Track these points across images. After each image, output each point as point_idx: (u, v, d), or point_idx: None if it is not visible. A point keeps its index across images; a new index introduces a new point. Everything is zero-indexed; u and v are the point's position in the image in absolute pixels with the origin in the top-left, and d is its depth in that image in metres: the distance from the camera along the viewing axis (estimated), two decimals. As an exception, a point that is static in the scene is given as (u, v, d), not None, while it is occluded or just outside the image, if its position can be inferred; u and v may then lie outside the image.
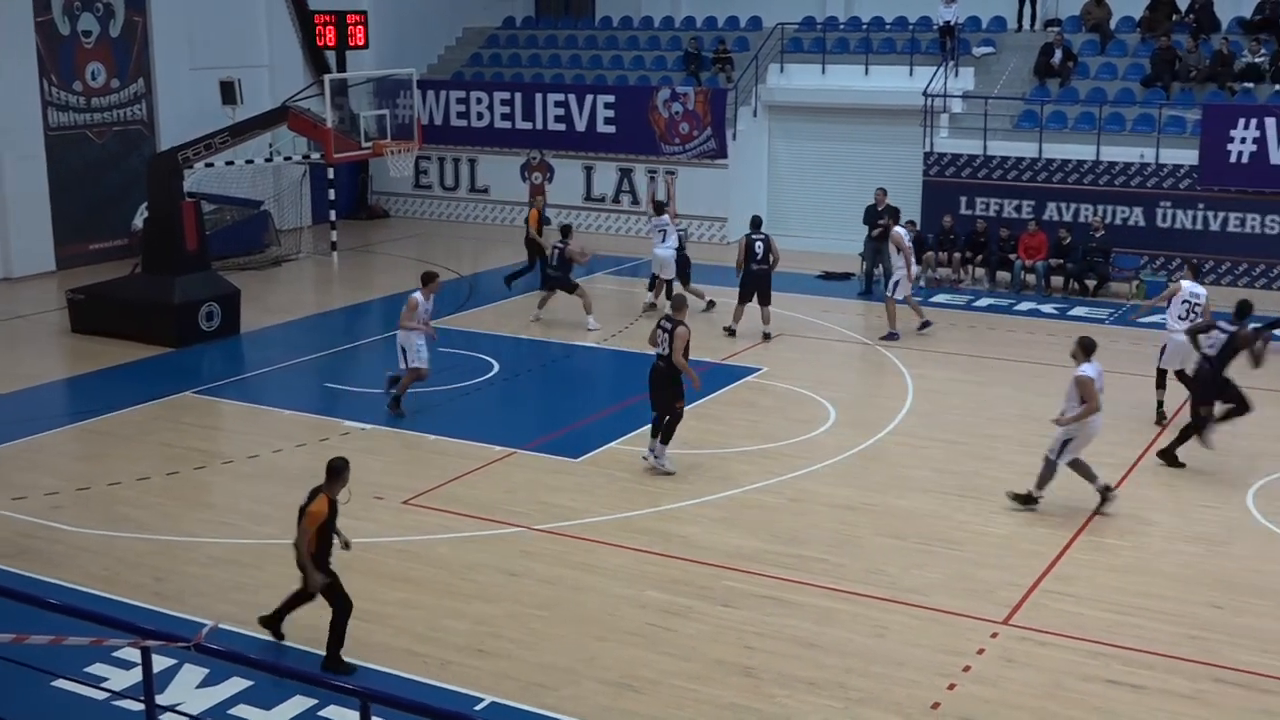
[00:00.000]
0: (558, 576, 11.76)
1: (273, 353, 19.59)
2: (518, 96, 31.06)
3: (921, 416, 16.49)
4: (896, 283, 20.20)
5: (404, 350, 16.19)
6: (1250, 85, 25.56)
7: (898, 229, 20.77)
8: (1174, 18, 27.82)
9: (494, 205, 31.32)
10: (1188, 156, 24.44)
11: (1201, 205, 24.23)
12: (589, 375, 19.18)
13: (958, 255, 24.64)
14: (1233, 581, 11.68)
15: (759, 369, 18.51)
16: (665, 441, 14.23)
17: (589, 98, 30.26)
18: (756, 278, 19.96)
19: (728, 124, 28.87)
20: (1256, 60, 25.92)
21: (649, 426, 14.50)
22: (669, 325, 14.08)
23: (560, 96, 30.57)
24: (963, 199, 25.82)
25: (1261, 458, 14.88)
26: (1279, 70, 25.54)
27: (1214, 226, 24.21)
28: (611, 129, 29.98)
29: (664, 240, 21.44)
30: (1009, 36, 29.17)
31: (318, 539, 9.85)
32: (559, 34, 34.13)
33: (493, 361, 18.85)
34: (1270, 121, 23.75)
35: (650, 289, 22.01)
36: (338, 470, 10.01)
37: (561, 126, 30.51)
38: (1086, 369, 12.96)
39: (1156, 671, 10.01)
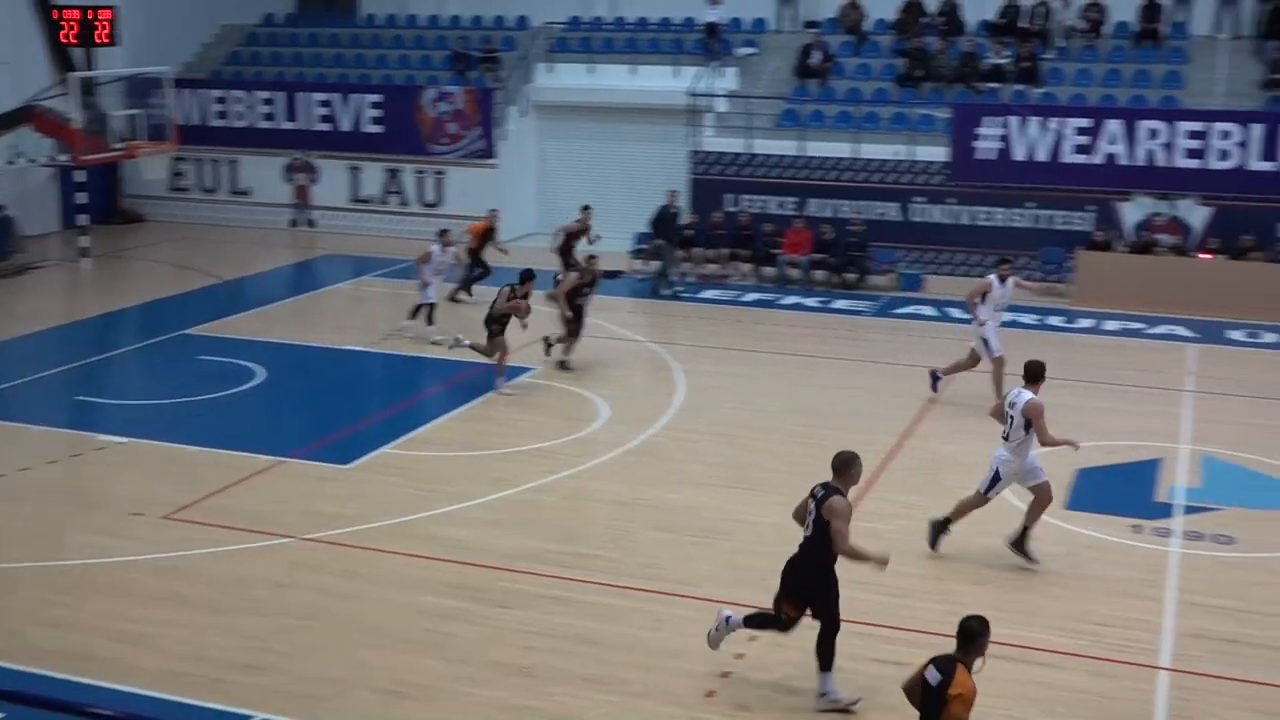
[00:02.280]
0: (329, 586, 11.48)
1: (20, 365, 18.57)
2: (280, 96, 30.27)
3: (692, 411, 16.73)
4: None
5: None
6: (995, 85, 26.79)
7: None
8: (924, 20, 28.95)
9: (257, 208, 30.43)
10: (939, 153, 25.47)
11: (953, 200, 25.28)
12: (358, 380, 18.80)
13: (725, 251, 25.11)
14: (990, 558, 12.18)
15: (531, 369, 18.47)
16: (828, 665, 9.67)
17: (354, 97, 29.72)
18: None
19: (496, 124, 28.76)
20: (1000, 61, 27.20)
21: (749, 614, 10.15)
22: (821, 492, 9.63)
23: (324, 96, 29.93)
24: (729, 196, 26.33)
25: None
26: (1021, 71, 26.85)
27: (965, 220, 25.29)
28: (378, 129, 29.52)
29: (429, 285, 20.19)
30: (770, 37, 29.88)
31: None
32: (321, 32, 33.39)
33: (256, 368, 18.30)
34: (1014, 120, 24.95)
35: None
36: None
37: (326, 126, 29.89)
38: (1034, 395, 11.96)
39: (922, 649, 10.31)
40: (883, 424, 16.02)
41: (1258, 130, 23.72)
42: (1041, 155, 24.81)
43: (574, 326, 18.44)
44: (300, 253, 27.79)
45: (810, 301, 23.25)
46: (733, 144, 26.76)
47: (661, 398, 17.21)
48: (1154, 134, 24.26)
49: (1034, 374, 12.13)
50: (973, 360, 17.01)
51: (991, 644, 10.30)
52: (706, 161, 26.69)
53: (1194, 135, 24.08)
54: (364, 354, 19.51)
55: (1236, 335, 21.16)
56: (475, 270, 22.88)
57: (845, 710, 9.54)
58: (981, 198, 25.13)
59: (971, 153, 25.16)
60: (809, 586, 9.55)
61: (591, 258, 19.51)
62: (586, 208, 23.44)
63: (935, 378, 17.16)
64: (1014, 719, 9.20)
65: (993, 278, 16.96)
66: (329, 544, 12.36)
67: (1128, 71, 26.90)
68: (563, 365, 18.31)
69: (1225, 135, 23.90)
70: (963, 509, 12.31)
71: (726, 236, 25.25)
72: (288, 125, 30.18)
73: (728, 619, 9.88)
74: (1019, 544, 12.05)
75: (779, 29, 30.36)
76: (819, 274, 24.61)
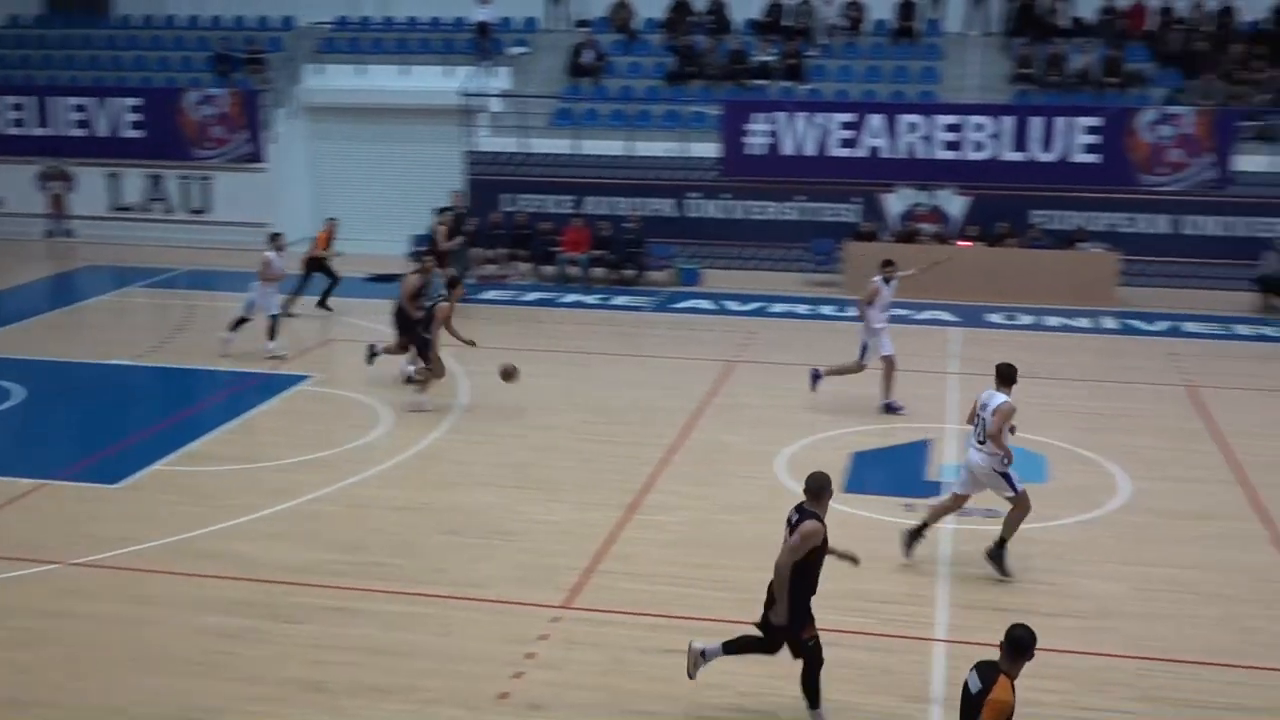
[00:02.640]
0: (105, 612, 11.01)
1: None
2: (30, 100, 28.87)
3: (476, 412, 16.65)
4: None
5: None
6: (763, 82, 27.45)
7: None
8: (692, 19, 29.45)
9: (8, 219, 28.91)
10: (711, 150, 25.95)
11: (727, 195, 25.81)
12: (126, 395, 18.07)
13: (503, 251, 25.06)
14: (770, 544, 12.40)
15: (308, 376, 18.09)
16: (815, 702, 9.38)
17: (111, 101, 28.56)
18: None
19: (264, 126, 28.04)
20: (767, 59, 27.88)
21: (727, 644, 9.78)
22: (795, 518, 9.43)
23: (79, 100, 28.68)
24: (506, 196, 26.29)
25: (787, 427, 15.97)
26: (788, 68, 27.58)
27: (738, 215, 25.84)
28: (138, 133, 28.46)
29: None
30: (542, 36, 29.95)
31: None
32: (73, 33, 31.98)
33: (14, 387, 17.41)
34: (782, 116, 25.60)
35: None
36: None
37: (82, 131, 28.64)
38: (1008, 398, 11.75)
39: (710, 637, 10.52)
40: (665, 417, 16.26)
41: (1009, 122, 24.91)
42: (809, 150, 25.53)
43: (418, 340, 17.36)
44: (58, 265, 26.57)
45: (590, 299, 23.41)
46: (508, 144, 26.74)
47: (444, 399, 17.07)
48: (913, 127, 25.24)
49: (1007, 376, 11.84)
50: (860, 365, 16.95)
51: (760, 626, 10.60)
52: (482, 162, 26.60)
53: (950, 128, 25.15)
54: (131, 368, 18.78)
55: (995, 318, 22.20)
56: (307, 282, 22.18)
57: None
58: (753, 192, 25.73)
59: (742, 148, 25.72)
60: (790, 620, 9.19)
61: (427, 255, 19.20)
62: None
63: (816, 376, 16.94)
64: (795, 698, 9.43)
65: (878, 280, 16.78)
66: (101, 568, 11.85)
67: (887, 67, 27.91)
68: (412, 380, 17.33)
69: (979, 128, 25.03)
70: (937, 513, 12.25)
71: (505, 236, 25.21)
72: (39, 131, 28.84)
73: (702, 652, 9.45)
74: (995, 555, 11.83)
75: (550, 28, 30.47)
76: (598, 271, 24.79)
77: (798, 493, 13.63)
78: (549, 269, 24.88)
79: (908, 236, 24.52)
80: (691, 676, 9.50)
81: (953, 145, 25.15)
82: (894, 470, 14.67)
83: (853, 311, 22.56)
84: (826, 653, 10.05)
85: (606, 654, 10.28)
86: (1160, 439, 15.65)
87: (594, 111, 27.30)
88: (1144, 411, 16.59)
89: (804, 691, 9.28)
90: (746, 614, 10.79)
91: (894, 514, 13.27)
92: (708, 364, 18.75)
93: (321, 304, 22.00)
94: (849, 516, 13.17)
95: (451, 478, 14.29)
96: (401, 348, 17.69)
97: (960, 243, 24.30)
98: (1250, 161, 24.32)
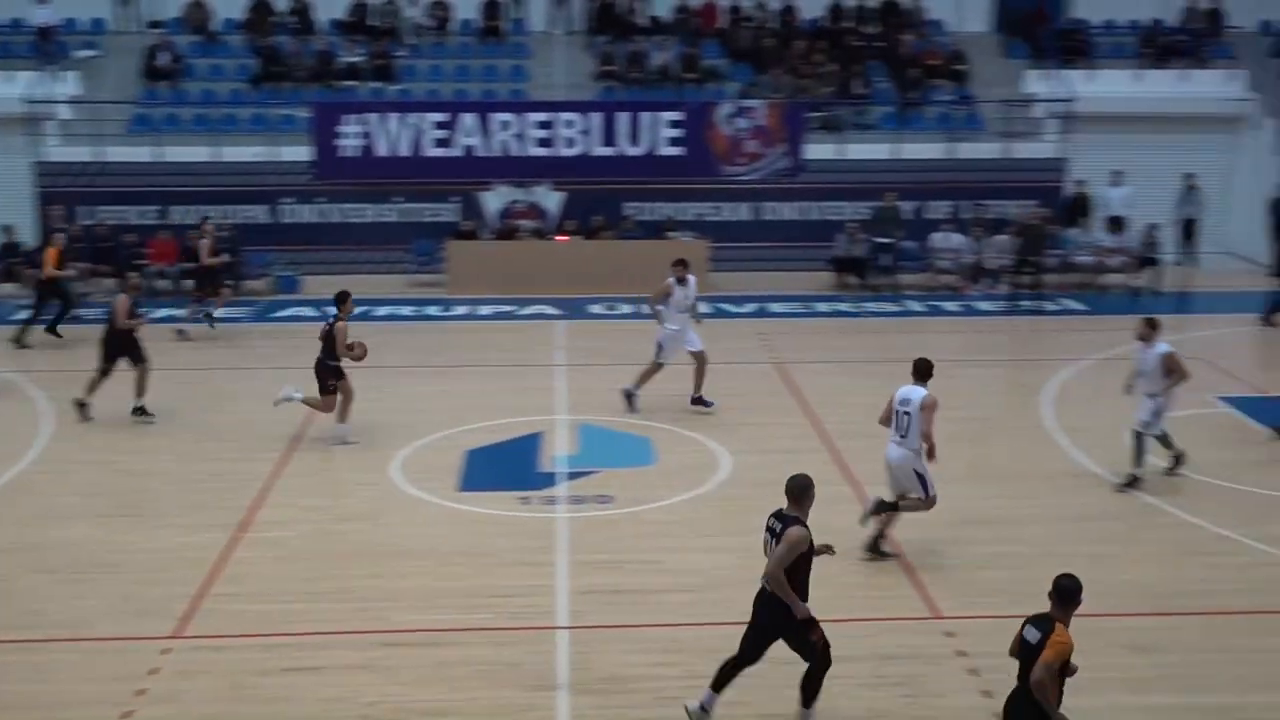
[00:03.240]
0: None
1: None
2: None
3: (63, 441, 15.58)
4: None
5: None
6: (353, 83, 27.06)
7: None
8: (274, 19, 28.63)
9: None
10: (303, 153, 25.34)
11: (322, 199, 25.28)
12: None
13: (85, 266, 23.51)
14: (389, 550, 12.35)
15: None
16: (810, 702, 9.24)
17: None
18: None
19: None
20: (355, 59, 27.50)
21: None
22: (779, 526, 9.08)
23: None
24: (84, 208, 24.66)
25: (399, 431, 15.82)
26: (377, 69, 27.30)
27: (336, 219, 25.38)
28: None
29: None
30: (111, 38, 28.35)
31: None
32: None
33: None
34: (374, 117, 25.31)
35: None
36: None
37: None
38: (929, 392, 11.79)
39: (331, 650, 10.32)
40: (275, 429, 15.74)
41: (597, 119, 25.62)
42: (404, 150, 25.37)
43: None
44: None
45: (182, 312, 22.33)
46: (81, 153, 25.13)
47: (25, 428, 15.88)
48: (506, 125, 25.54)
49: (924, 371, 11.94)
50: (657, 364, 16.81)
51: (391, 633, 10.55)
52: (53, 173, 24.86)
53: (542, 125, 25.61)
54: None
55: (597, 309, 22.82)
56: (51, 303, 20.16)
57: None
58: (350, 195, 25.33)
59: (335, 151, 25.27)
60: (785, 624, 8.94)
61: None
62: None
63: (629, 395, 16.70)
64: (420, 700, 9.39)
65: (671, 280, 16.60)
66: None
67: (476, 66, 28.13)
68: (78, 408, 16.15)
69: (570, 124, 25.62)
70: (905, 509, 12.16)
71: (86, 251, 23.66)
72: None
73: (701, 707, 9.08)
74: (874, 547, 12.02)
75: (120, 29, 28.85)
76: (189, 283, 23.67)
77: (417, 496, 13.63)
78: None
79: (508, 233, 24.82)
80: None
81: (545, 142, 25.62)
82: (507, 465, 14.81)
83: (459, 310, 22.71)
84: (453, 652, 10.07)
85: (223, 680, 9.86)
86: (756, 415, 16.53)
87: (175, 117, 26.09)
88: (740, 390, 17.46)
89: (803, 689, 9.13)
90: (371, 624, 10.65)
91: (510, 508, 13.40)
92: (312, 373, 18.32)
93: (51, 330, 20.18)
94: (465, 514, 13.23)
95: (42, 513, 13.30)
96: (101, 374, 16.27)
97: (558, 237, 24.81)
98: (818, 150, 26.05)
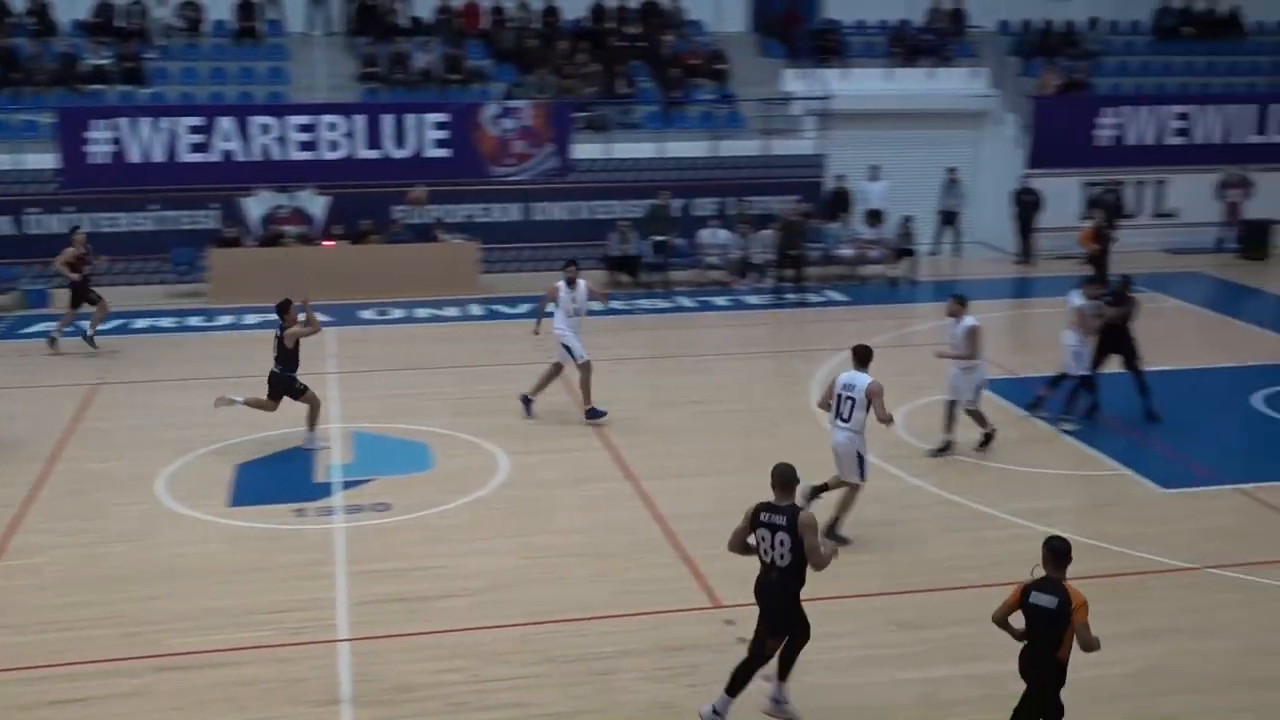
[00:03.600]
0: None
1: None
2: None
3: None
4: None
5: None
6: (100, 87, 25.93)
7: None
8: (11, 20, 27.21)
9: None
10: (48, 160, 24.16)
11: (71, 208, 24.11)
12: None
13: None
14: (158, 571, 11.90)
15: None
16: (786, 675, 9.43)
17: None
18: None
19: None
20: (101, 62, 26.36)
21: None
22: (782, 519, 8.92)
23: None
24: None
25: (164, 447, 15.26)
26: (125, 71, 26.22)
27: (88, 228, 24.21)
28: None
29: None
30: None
31: None
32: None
33: None
34: (124, 122, 24.31)
35: None
36: None
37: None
38: (872, 378, 12.19)
39: (101, 679, 9.90)
40: (26, 451, 14.98)
41: (361, 121, 25.19)
42: (158, 156, 24.43)
43: None
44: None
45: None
46: None
47: None
48: (266, 129, 24.87)
49: (865, 357, 12.27)
50: (556, 370, 16.43)
51: (165, 656, 10.20)
52: None
53: (304, 129, 25.03)
54: None
55: (368, 314, 22.45)
56: None
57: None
58: (102, 203, 24.26)
59: (83, 158, 24.16)
60: (789, 615, 9.03)
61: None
62: None
63: (526, 401, 16.39)
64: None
65: (560, 283, 16.27)
66: None
67: (232, 69, 27.30)
68: None
69: (333, 127, 25.11)
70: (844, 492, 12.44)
71: None
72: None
73: (713, 710, 9.03)
74: (830, 531, 12.11)
75: None
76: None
77: (185, 514, 13.16)
78: None
79: (272, 239, 24.18)
80: None
81: (308, 145, 25.05)
82: (281, 477, 14.45)
83: (223, 320, 22.00)
84: (233, 673, 9.82)
85: (-18, 718, 9.36)
86: (533, 415, 16.50)
87: (-95, 124, 24.57)
88: (517, 391, 17.43)
89: (781, 662, 9.19)
90: (143, 649, 10.25)
91: (285, 521, 13.10)
92: (68, 390, 17.51)
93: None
94: (238, 530, 12.85)
95: None
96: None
97: (325, 242, 24.30)
98: (586, 150, 26.21)
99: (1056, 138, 27.98)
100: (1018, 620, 8.14)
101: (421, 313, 22.63)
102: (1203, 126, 28.79)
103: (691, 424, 16.32)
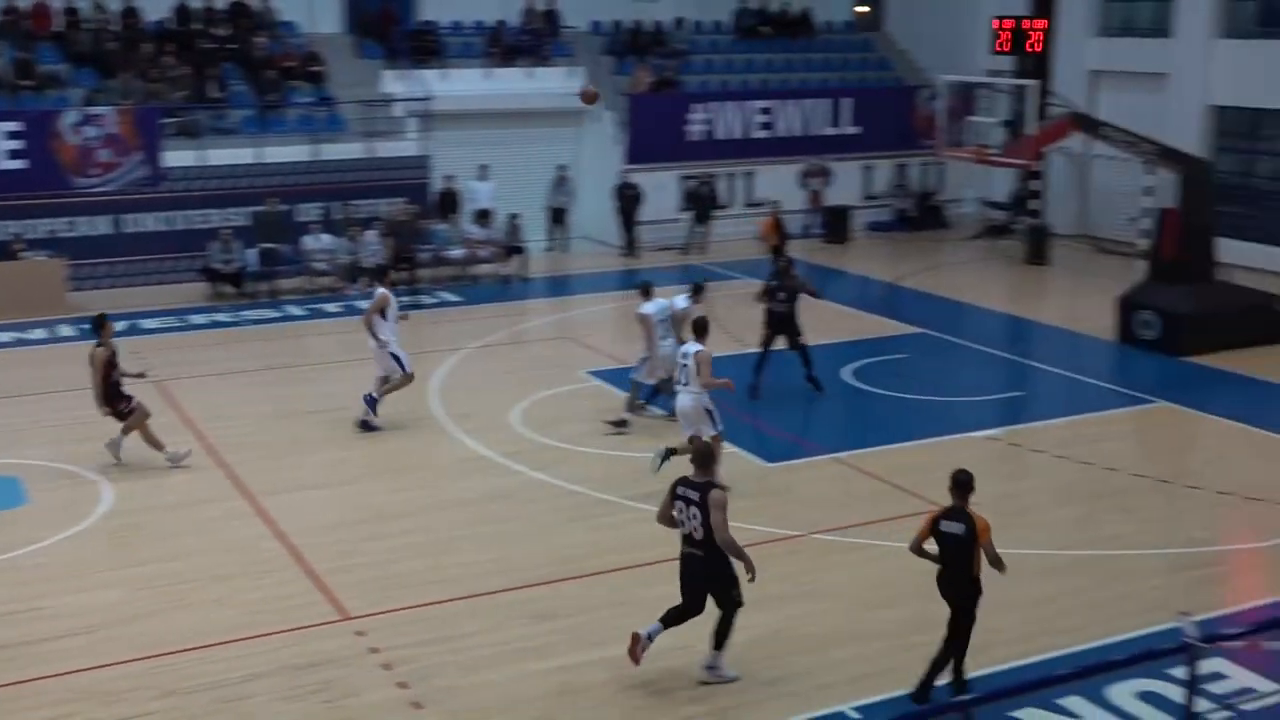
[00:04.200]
0: None
1: None
2: None
3: None
4: None
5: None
6: None
7: None
8: None
9: None
10: None
11: None
12: None
13: None
14: None
15: None
16: (722, 644, 9.92)
17: None
18: None
19: None
20: None
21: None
22: (695, 494, 9.55)
23: None
24: None
25: None
26: None
27: None
28: None
29: None
30: None
31: None
32: None
33: None
34: None
35: None
36: None
37: None
38: (703, 347, 13.44)
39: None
40: None
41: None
42: None
43: None
44: None
45: None
46: None
47: None
48: None
49: (704, 329, 13.65)
50: (400, 378, 16.12)
51: None
52: None
53: None
54: None
55: (-58, 342, 20.63)
56: None
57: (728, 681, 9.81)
58: None
59: None
60: (715, 581, 9.59)
61: None
62: None
63: (370, 401, 15.93)
64: None
65: (387, 290, 16.10)
66: None
67: None
68: None
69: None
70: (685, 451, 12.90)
71: None
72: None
73: (648, 635, 9.69)
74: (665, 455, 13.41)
75: None
76: None
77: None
78: None
79: None
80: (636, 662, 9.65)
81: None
82: None
83: None
84: None
85: None
86: (136, 438, 15.49)
87: None
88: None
89: (716, 634, 9.73)
90: None
91: None
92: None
93: None
94: None
95: None
96: None
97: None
98: (178, 157, 24.97)
99: (651, 134, 28.99)
100: (931, 547, 9.27)
101: (4, 337, 20.97)
102: (784, 120, 30.54)
103: (309, 434, 15.92)
